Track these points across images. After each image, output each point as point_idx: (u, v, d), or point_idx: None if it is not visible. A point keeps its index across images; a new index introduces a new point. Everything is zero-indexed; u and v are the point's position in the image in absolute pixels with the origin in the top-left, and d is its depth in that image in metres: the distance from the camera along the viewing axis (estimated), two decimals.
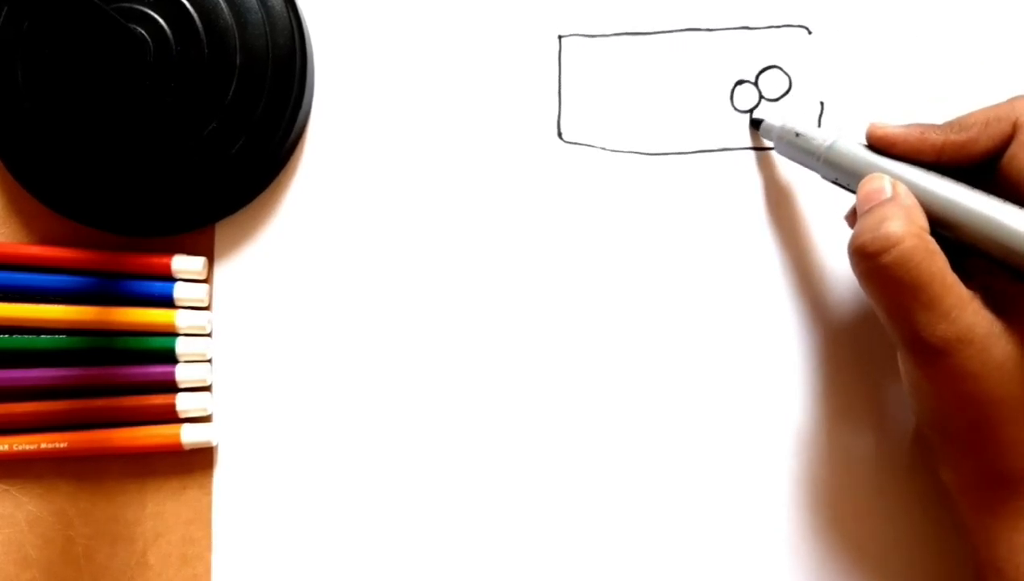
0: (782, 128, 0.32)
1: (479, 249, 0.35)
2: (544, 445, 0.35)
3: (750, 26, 0.36)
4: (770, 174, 0.35)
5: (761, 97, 0.35)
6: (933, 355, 0.27)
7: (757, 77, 0.35)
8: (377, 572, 0.34)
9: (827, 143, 0.31)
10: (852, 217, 0.33)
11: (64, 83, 0.33)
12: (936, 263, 0.27)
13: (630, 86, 0.36)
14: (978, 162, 0.29)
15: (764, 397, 0.34)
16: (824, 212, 0.35)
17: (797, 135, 0.32)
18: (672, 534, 0.34)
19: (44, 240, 0.35)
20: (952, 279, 0.27)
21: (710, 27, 0.36)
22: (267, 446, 0.35)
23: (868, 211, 0.28)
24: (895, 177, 0.29)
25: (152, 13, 0.33)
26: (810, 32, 0.35)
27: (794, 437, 0.34)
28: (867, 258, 0.28)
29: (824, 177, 0.31)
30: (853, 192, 0.30)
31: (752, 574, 0.34)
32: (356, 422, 0.35)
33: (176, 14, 0.33)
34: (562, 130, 0.36)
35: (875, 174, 0.29)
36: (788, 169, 0.35)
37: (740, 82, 0.36)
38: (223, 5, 0.34)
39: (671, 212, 0.35)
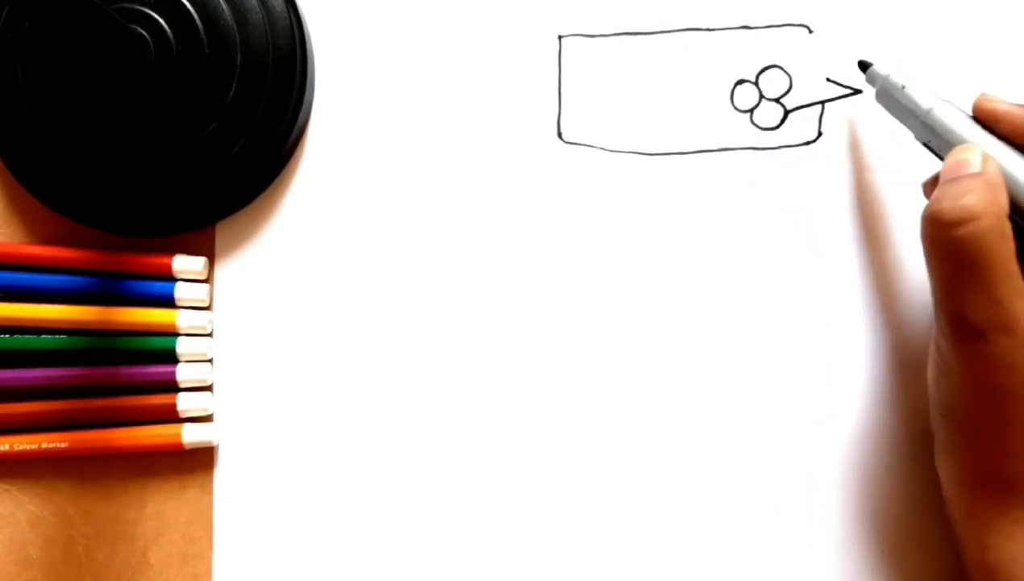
0: (888, 78, 0.32)
1: (480, 249, 0.35)
2: (546, 445, 0.35)
3: (750, 26, 0.36)
4: (769, 174, 0.35)
5: (761, 96, 0.35)
6: (972, 336, 0.27)
7: (757, 77, 0.35)
8: (377, 572, 0.34)
9: (928, 106, 0.30)
10: (931, 185, 0.32)
11: (64, 83, 0.33)
12: (1005, 248, 0.27)
13: (630, 86, 0.36)
14: None
15: (763, 395, 0.34)
16: (824, 211, 0.35)
17: (903, 88, 0.31)
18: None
19: (45, 240, 0.35)
20: (1014, 268, 0.27)
21: (710, 27, 0.36)
22: (267, 446, 0.35)
23: (953, 180, 0.28)
24: (987, 152, 0.29)
25: (152, 13, 0.33)
26: (811, 31, 0.35)
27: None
28: (940, 226, 0.27)
29: (916, 137, 0.31)
30: (941, 159, 0.30)
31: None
32: (357, 422, 0.35)
33: (176, 14, 0.33)
34: (562, 130, 0.36)
35: (968, 144, 0.29)
36: (788, 169, 0.35)
37: (740, 82, 0.36)
38: (223, 5, 0.34)
39: (671, 212, 0.35)
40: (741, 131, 0.35)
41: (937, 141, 0.30)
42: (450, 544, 0.34)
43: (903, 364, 0.34)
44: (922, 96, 0.31)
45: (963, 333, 0.27)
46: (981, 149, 0.29)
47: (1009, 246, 0.27)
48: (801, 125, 0.35)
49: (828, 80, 0.35)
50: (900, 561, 0.34)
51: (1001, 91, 0.34)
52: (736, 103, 0.35)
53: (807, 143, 0.35)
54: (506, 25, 0.36)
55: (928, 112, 0.30)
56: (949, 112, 0.30)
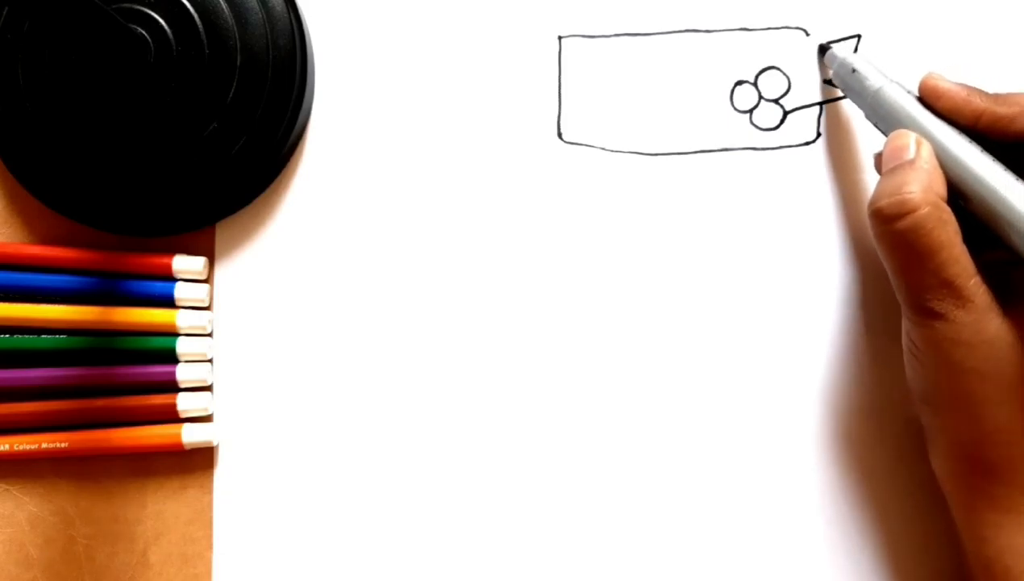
0: (842, 61, 0.33)
1: (479, 249, 0.35)
2: (545, 442, 0.35)
3: (749, 27, 0.36)
4: (769, 174, 0.35)
5: (761, 97, 0.36)
6: (930, 318, 0.28)
7: (756, 77, 0.36)
8: (377, 571, 0.34)
9: (876, 86, 0.31)
10: (878, 161, 0.33)
11: (65, 83, 0.33)
12: (947, 232, 0.28)
13: (630, 86, 0.36)
14: (1013, 140, 0.30)
15: (762, 394, 0.35)
16: (823, 211, 0.35)
17: (853, 71, 0.32)
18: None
19: (45, 240, 0.35)
20: (960, 250, 0.28)
21: (709, 28, 0.36)
22: (267, 446, 0.35)
23: (890, 172, 0.29)
24: (927, 136, 0.29)
25: (152, 13, 0.33)
26: (808, 34, 0.36)
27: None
28: (883, 221, 0.29)
29: (867, 118, 0.32)
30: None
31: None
32: (356, 421, 0.35)
33: (176, 14, 0.33)
34: (562, 130, 0.36)
35: (904, 131, 0.30)
36: (787, 169, 0.35)
37: (740, 82, 0.36)
38: (223, 5, 0.34)
39: (671, 212, 0.35)
40: (741, 131, 0.35)
41: (883, 123, 0.31)
42: (449, 543, 0.34)
43: (902, 363, 0.34)
44: (872, 78, 0.32)
45: (922, 316, 0.29)
46: (915, 135, 0.30)
47: (950, 229, 0.28)
48: (800, 126, 0.35)
49: (825, 82, 0.35)
50: (901, 559, 0.34)
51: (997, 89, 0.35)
52: (735, 104, 0.36)
53: (806, 144, 0.35)
54: (506, 25, 0.36)
55: (876, 93, 0.31)
56: (895, 92, 0.31)
